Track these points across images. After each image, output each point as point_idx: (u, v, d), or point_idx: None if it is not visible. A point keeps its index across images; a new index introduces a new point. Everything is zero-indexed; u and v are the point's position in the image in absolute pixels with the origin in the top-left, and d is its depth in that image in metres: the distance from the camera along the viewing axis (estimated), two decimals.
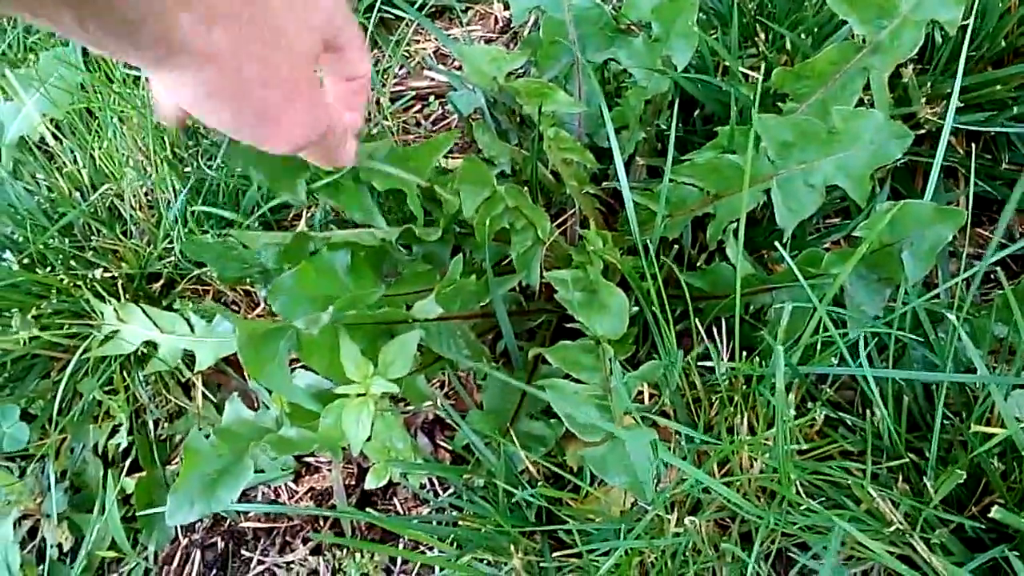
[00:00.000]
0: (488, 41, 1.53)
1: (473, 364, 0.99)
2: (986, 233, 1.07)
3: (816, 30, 1.09)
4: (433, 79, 1.48)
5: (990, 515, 0.70)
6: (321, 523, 1.13)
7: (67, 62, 1.44)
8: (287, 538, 1.13)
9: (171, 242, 1.28)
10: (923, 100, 1.03)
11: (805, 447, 0.85)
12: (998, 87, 1.02)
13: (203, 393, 1.23)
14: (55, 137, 1.46)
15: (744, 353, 0.89)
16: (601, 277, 0.93)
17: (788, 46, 1.11)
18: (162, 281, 1.31)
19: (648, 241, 0.94)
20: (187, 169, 1.33)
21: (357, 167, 1.03)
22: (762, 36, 1.12)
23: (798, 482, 0.82)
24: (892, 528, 0.75)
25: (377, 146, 1.04)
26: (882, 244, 0.82)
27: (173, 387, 1.24)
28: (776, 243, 0.85)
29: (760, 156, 0.92)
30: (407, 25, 1.53)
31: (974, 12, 1.01)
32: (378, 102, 1.41)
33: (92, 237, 1.31)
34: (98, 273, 1.24)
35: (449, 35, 1.54)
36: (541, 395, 0.87)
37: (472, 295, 0.95)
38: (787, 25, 1.12)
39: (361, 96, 0.72)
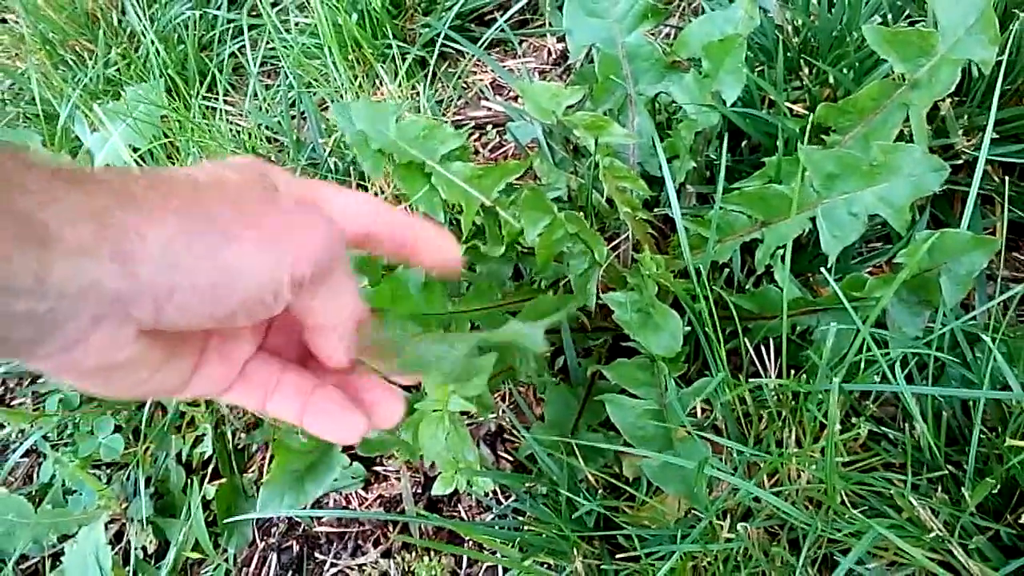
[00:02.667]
0: (542, 72, 1.61)
1: (539, 379, 1.06)
2: (1022, 257, 1.13)
3: (858, 64, 1.15)
4: (490, 109, 1.56)
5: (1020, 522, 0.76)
6: (390, 528, 1.21)
7: (148, 99, 1.54)
8: (358, 542, 1.21)
9: None
10: (960, 132, 1.08)
11: (850, 459, 0.91)
12: None
13: None
14: (139, 166, 1.57)
15: (791, 371, 0.95)
16: (655, 299, 1.00)
17: (831, 80, 1.17)
18: None
19: (699, 265, 1.01)
20: None
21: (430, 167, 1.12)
22: (806, 71, 1.18)
23: (843, 492, 0.88)
24: (932, 535, 0.80)
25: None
26: (921, 270, 0.88)
27: None
28: (821, 268, 0.91)
29: (805, 186, 0.98)
30: (466, 57, 1.61)
31: (1008, 48, 1.07)
32: None
33: None
34: None
35: (504, 66, 1.62)
36: (601, 409, 0.94)
37: (543, 312, 1.02)
38: (830, 60, 1.18)
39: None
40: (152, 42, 1.83)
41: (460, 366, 0.66)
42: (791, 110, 1.14)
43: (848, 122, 1.03)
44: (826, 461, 0.80)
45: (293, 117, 1.64)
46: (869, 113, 1.02)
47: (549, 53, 1.63)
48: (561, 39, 1.63)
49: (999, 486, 0.83)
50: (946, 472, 0.86)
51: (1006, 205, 0.97)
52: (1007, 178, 1.04)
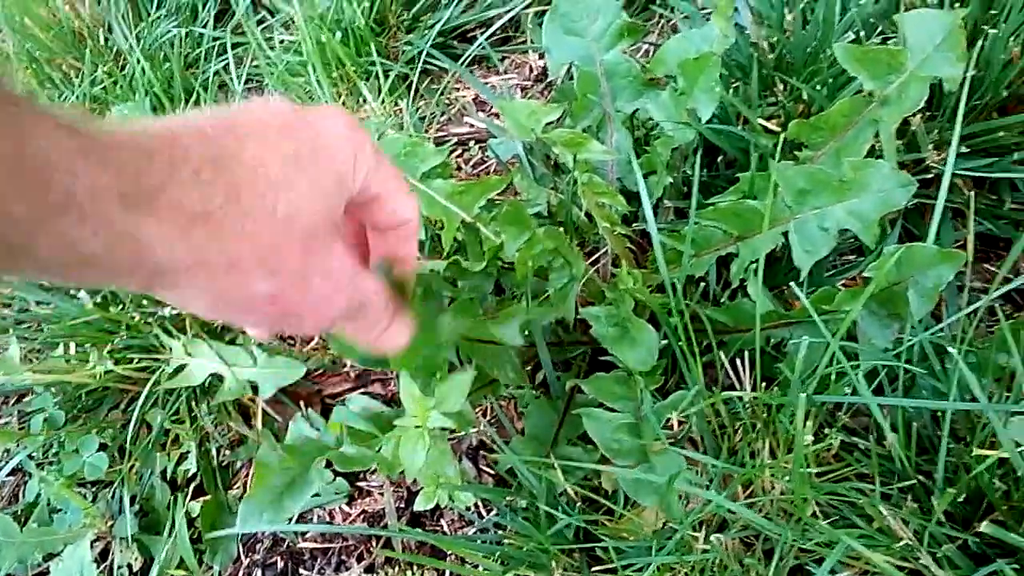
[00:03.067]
0: (524, 88, 1.63)
1: (518, 391, 1.08)
2: (992, 268, 1.14)
3: (831, 81, 1.17)
4: (472, 125, 1.58)
5: (980, 531, 0.77)
6: (374, 543, 1.22)
7: (134, 118, 1.55)
8: (342, 557, 1.22)
9: None
10: (931, 146, 1.10)
11: (823, 469, 0.92)
12: (1001, 133, 1.09)
13: (263, 421, 1.32)
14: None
15: (765, 383, 0.96)
16: (632, 314, 1.01)
17: (805, 96, 1.19)
18: None
19: (675, 279, 1.03)
20: None
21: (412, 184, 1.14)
22: (780, 87, 1.20)
23: (816, 502, 0.89)
24: (902, 543, 0.82)
25: None
26: (889, 283, 0.89)
27: (235, 416, 1.33)
28: (792, 283, 0.92)
29: (778, 201, 1.00)
30: (448, 74, 1.63)
31: (978, 62, 1.09)
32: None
33: None
34: (167, 311, 1.34)
35: (487, 83, 1.64)
36: (580, 422, 0.95)
37: (522, 324, 1.03)
38: (804, 77, 1.20)
39: (410, 244, 0.59)
40: (138, 60, 1.84)
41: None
42: (765, 126, 1.16)
43: (820, 138, 1.05)
44: (794, 472, 0.81)
45: None
46: (841, 129, 1.04)
47: (531, 69, 1.65)
48: (543, 56, 1.65)
49: (966, 495, 0.84)
50: (916, 481, 0.87)
51: (972, 218, 0.99)
52: (975, 191, 1.06)
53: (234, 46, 1.84)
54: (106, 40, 2.06)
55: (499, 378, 1.04)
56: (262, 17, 1.94)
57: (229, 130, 0.42)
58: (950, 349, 0.84)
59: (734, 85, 1.28)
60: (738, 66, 1.27)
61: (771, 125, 1.15)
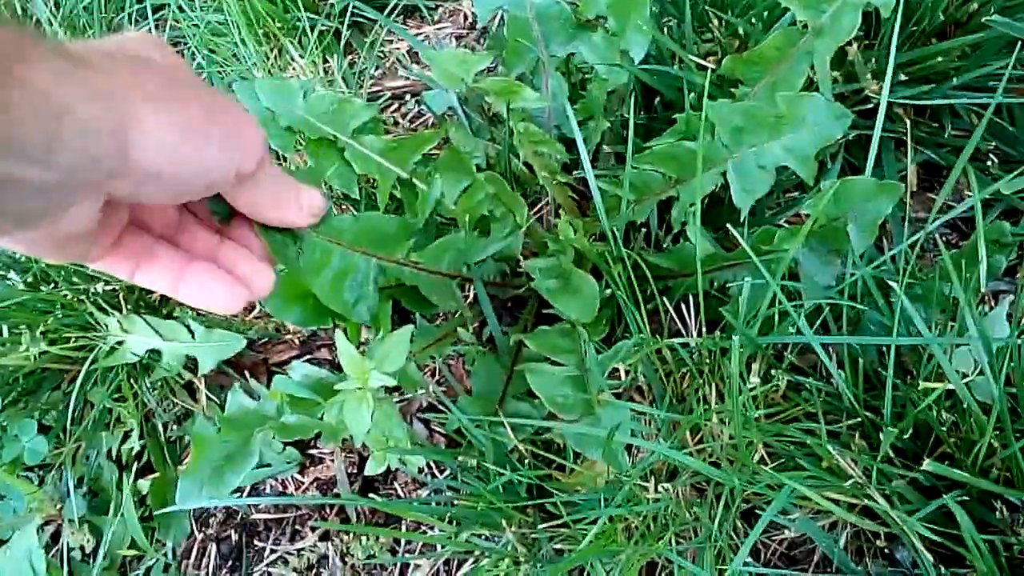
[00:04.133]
0: (459, 38, 1.58)
1: (465, 347, 1.06)
2: (935, 197, 1.13)
3: (766, 14, 1.14)
4: (407, 78, 1.53)
5: (923, 467, 0.77)
6: (327, 511, 1.20)
7: None
8: (296, 527, 1.20)
9: None
10: (869, 75, 1.08)
11: (772, 411, 0.91)
12: (939, 59, 1.07)
13: (207, 395, 1.29)
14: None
15: (712, 325, 0.95)
16: (572, 265, 0.99)
17: (740, 31, 1.16)
18: None
19: (615, 227, 1.00)
20: None
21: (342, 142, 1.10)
22: (716, 23, 1.17)
23: (766, 444, 0.88)
24: (851, 482, 0.81)
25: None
26: (828, 219, 0.88)
27: (179, 391, 1.30)
28: (728, 225, 0.90)
29: (715, 141, 0.98)
30: (380, 27, 1.57)
31: None
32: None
33: None
34: (99, 287, 1.30)
35: (420, 34, 1.59)
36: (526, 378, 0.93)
37: (459, 253, 1.01)
38: (739, 11, 1.17)
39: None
40: (57, 32, 1.77)
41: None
42: (702, 64, 1.13)
43: (756, 73, 1.03)
44: (735, 418, 0.80)
45: None
46: (775, 63, 1.01)
47: (465, 18, 1.60)
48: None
49: (914, 430, 0.83)
50: (864, 419, 0.86)
51: (911, 147, 0.97)
52: (916, 120, 1.04)
53: (157, 8, 1.77)
54: (24, 9, 1.97)
55: (439, 304, 1.00)
56: None
57: None
58: (892, 284, 0.83)
59: (668, 24, 1.25)
60: (672, 2, 1.24)
61: (708, 63, 1.12)
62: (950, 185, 0.91)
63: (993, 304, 1.02)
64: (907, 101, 1.07)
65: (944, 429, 0.83)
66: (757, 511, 0.92)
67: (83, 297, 1.30)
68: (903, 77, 1.08)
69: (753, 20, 1.14)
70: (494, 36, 1.26)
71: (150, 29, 1.76)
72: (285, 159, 1.33)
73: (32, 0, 1.97)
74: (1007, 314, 0.85)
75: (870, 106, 1.08)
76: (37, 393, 1.36)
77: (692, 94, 1.05)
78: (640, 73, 1.11)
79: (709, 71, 1.00)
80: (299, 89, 1.13)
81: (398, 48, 1.59)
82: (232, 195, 0.54)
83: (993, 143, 1.08)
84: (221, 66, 1.59)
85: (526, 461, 0.98)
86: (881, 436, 0.84)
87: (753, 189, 0.96)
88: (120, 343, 1.22)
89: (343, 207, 1.25)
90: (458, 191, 1.06)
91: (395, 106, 1.52)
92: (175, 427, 1.32)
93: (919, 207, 1.12)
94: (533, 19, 1.19)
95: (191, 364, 1.24)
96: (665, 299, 0.98)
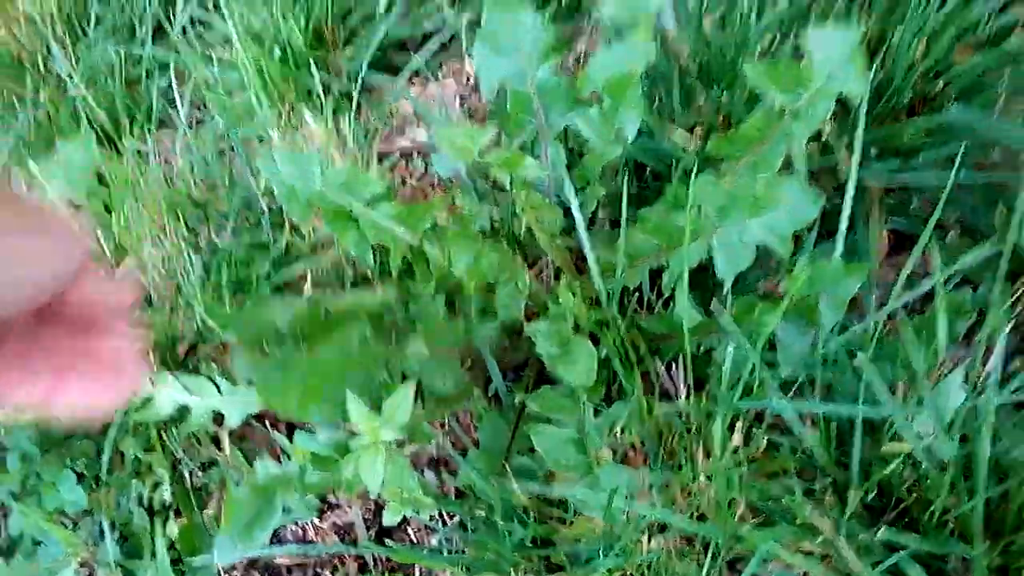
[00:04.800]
0: (463, 97, 1.67)
1: (468, 404, 1.15)
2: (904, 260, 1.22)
3: (751, 92, 1.23)
4: (414, 140, 1.62)
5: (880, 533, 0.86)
6: (346, 555, 1.28)
7: (79, 154, 1.58)
8: (317, 570, 1.29)
9: (192, 310, 1.43)
10: (844, 148, 1.17)
11: (753, 468, 1.00)
12: (906, 137, 1.16)
13: (232, 444, 1.38)
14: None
15: (699, 383, 1.04)
16: (571, 332, 1.08)
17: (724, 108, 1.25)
18: (186, 345, 1.46)
19: (611, 290, 1.09)
20: (200, 239, 1.48)
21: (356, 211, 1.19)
22: (702, 97, 1.27)
23: (745, 500, 0.97)
24: (821, 539, 0.90)
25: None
26: (802, 296, 0.97)
27: (205, 441, 1.39)
28: (716, 299, 0.99)
29: (703, 214, 1.06)
30: (392, 86, 1.67)
31: (883, 65, 1.16)
32: (367, 162, 1.55)
33: None
34: None
35: (426, 93, 1.68)
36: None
37: (460, 336, 1.10)
38: (724, 84, 1.26)
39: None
40: (77, 85, 1.86)
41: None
42: (689, 136, 1.22)
43: (738, 152, 1.11)
44: (717, 481, 0.89)
45: (223, 153, 1.69)
46: (756, 143, 1.10)
47: (468, 78, 1.69)
48: None
49: (877, 489, 0.92)
50: (834, 478, 0.95)
51: (878, 221, 1.06)
52: (885, 193, 1.13)
53: (175, 65, 1.86)
54: (45, 64, 2.07)
55: (439, 387, 1.09)
56: (205, 25, 1.96)
57: None
58: (859, 354, 0.92)
59: (658, 96, 1.34)
60: (662, 76, 1.33)
61: (694, 136, 1.22)
62: (914, 259, 1.00)
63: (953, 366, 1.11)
64: (874, 184, 1.16)
65: (905, 488, 0.92)
66: (741, 559, 1.00)
67: None
68: (874, 151, 1.16)
69: (738, 91, 1.23)
70: (495, 104, 1.34)
71: (169, 84, 1.86)
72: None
73: (52, 56, 2.07)
74: (963, 379, 0.94)
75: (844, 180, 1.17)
76: (68, 441, 1.45)
77: (678, 170, 1.14)
78: (632, 150, 1.20)
79: (701, 150, 1.08)
80: (316, 162, 1.22)
81: (407, 108, 1.68)
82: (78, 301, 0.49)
83: (957, 212, 1.17)
84: (238, 122, 1.68)
85: (530, 513, 1.07)
86: (851, 491, 0.93)
87: (735, 262, 1.04)
88: (150, 399, 1.31)
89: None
90: (467, 262, 1.15)
91: (404, 164, 1.61)
92: (200, 474, 1.40)
93: (890, 270, 1.20)
94: (533, 92, 1.28)
95: (217, 417, 1.33)
96: (656, 359, 1.07)
